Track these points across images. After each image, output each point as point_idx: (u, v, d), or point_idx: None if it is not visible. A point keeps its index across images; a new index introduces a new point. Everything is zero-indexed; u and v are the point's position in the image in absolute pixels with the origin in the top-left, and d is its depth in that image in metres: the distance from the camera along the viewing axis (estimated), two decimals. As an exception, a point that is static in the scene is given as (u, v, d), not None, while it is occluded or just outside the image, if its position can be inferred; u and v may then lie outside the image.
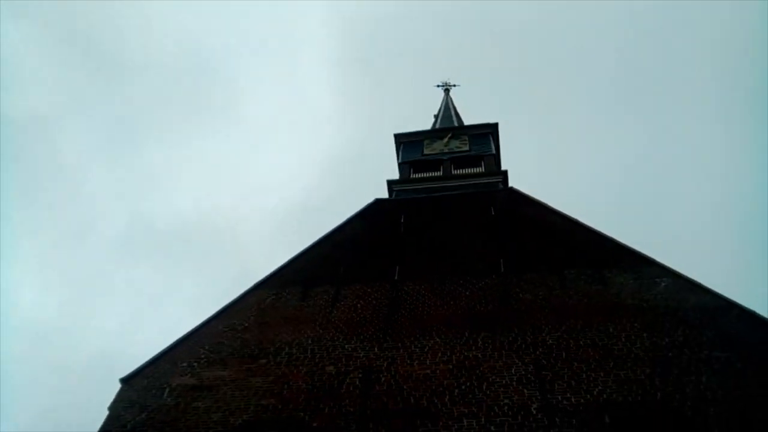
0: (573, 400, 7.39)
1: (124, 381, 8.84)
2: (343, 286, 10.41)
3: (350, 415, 7.65)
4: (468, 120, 20.85)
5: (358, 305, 9.88)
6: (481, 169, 15.50)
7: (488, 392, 7.68)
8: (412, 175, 15.99)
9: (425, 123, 21.58)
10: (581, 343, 8.34)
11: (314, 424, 7.62)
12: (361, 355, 8.71)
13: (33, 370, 36.29)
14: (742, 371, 7.50)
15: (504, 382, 7.81)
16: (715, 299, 8.81)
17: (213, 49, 64.37)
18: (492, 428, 7.15)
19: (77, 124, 53.65)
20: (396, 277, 10.42)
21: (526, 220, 11.75)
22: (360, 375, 8.30)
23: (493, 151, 16.59)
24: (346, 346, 8.95)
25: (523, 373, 7.92)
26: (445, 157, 16.29)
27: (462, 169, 15.74)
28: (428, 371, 8.19)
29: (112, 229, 51.30)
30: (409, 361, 8.43)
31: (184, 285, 51.27)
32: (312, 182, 63.91)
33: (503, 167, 16.85)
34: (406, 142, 17.59)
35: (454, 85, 24.97)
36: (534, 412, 7.29)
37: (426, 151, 16.94)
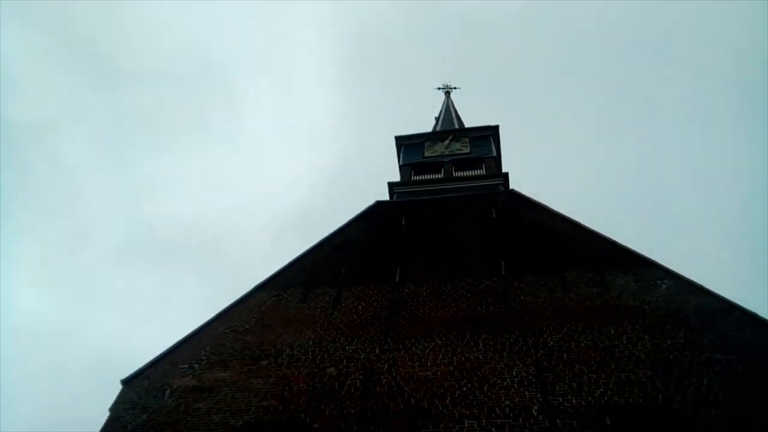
0: (574, 401, 7.39)
1: (125, 382, 8.86)
2: (344, 287, 10.42)
3: (351, 416, 7.65)
4: (469, 122, 20.92)
5: (359, 307, 9.88)
6: (482, 172, 15.52)
7: (489, 394, 7.68)
8: (413, 178, 16.02)
9: (426, 125, 21.66)
10: (582, 345, 8.34)
11: (315, 426, 7.62)
12: (362, 356, 8.71)
13: (34, 371, 36.28)
14: (743, 373, 7.50)
15: (505, 383, 7.82)
16: (717, 301, 8.80)
17: (213, 54, 64.48)
18: (493, 430, 7.16)
19: (77, 129, 53.69)
20: (397, 279, 10.42)
21: (526, 223, 11.76)
22: (361, 376, 8.30)
23: (494, 154, 16.61)
24: (347, 347, 8.96)
25: (524, 374, 7.92)
26: (445, 160, 16.32)
27: (463, 171, 15.77)
28: (429, 373, 8.19)
29: (113, 232, 51.40)
30: (410, 363, 8.44)
31: (185, 288, 51.27)
32: (313, 185, 63.90)
33: (504, 170, 16.88)
34: (407, 145, 17.63)
35: (455, 88, 25.06)
36: (535, 413, 7.29)
37: (427, 154, 16.97)
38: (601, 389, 7.54)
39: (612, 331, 8.50)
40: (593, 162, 58.11)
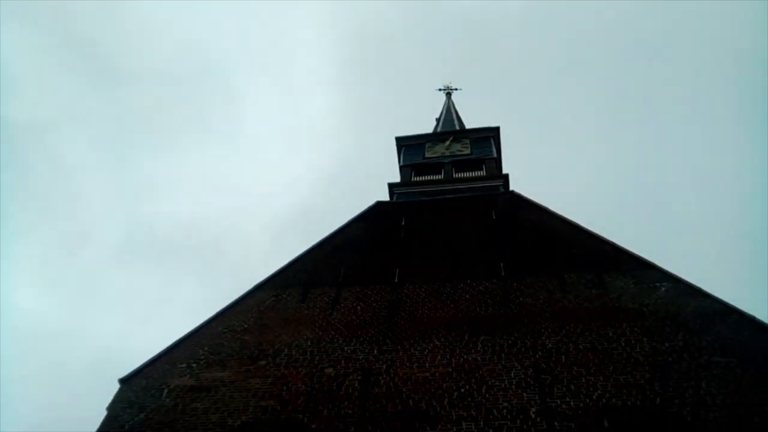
0: (572, 404, 7.38)
1: (123, 381, 8.85)
2: (344, 288, 10.42)
3: (349, 417, 7.64)
4: (470, 124, 20.94)
5: (358, 307, 9.88)
6: (482, 173, 15.52)
7: (487, 395, 7.67)
8: (414, 178, 16.02)
9: (427, 126, 21.68)
10: (581, 347, 8.33)
11: (313, 426, 7.61)
12: (361, 357, 8.71)
13: (34, 371, 36.31)
14: (741, 376, 7.49)
15: (503, 385, 7.81)
16: (715, 304, 8.79)
17: (213, 54, 64.56)
18: (491, 431, 7.15)
19: (77, 129, 53.77)
20: (396, 280, 10.42)
21: (526, 224, 11.75)
22: (359, 377, 8.30)
23: (495, 155, 16.62)
24: (346, 348, 8.95)
25: (522, 376, 7.91)
26: (446, 161, 16.32)
27: (463, 172, 15.77)
28: (427, 374, 8.19)
29: (113, 232, 51.45)
30: (408, 364, 8.43)
31: (185, 288, 51.31)
32: (313, 185, 63.94)
33: (504, 171, 16.89)
34: (407, 146, 17.63)
35: (456, 89, 25.09)
36: (533, 415, 7.28)
37: (427, 155, 16.97)
38: (600, 391, 7.53)
39: (610, 334, 8.49)
40: (593, 162, 58.15)
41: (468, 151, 16.72)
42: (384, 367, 8.44)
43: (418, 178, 15.99)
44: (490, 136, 17.40)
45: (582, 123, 61.76)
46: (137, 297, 50.28)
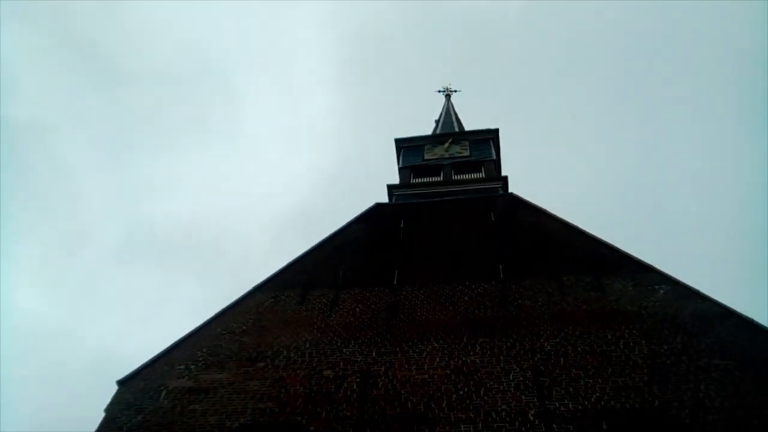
0: (571, 406, 7.38)
1: (121, 383, 8.83)
2: (342, 289, 10.41)
3: (348, 419, 7.63)
4: (469, 123, 20.98)
5: (357, 309, 9.87)
6: (481, 175, 15.51)
7: (486, 398, 7.66)
8: (413, 180, 16.01)
9: (426, 128, 21.65)
10: (579, 349, 8.32)
11: (311, 428, 7.60)
12: (359, 359, 8.70)
13: (33, 371, 36.26)
14: (740, 379, 7.49)
15: (502, 387, 7.80)
16: (714, 307, 8.79)
17: (213, 54, 64.59)
18: (489, 434, 7.14)
19: (77, 129, 53.81)
20: (395, 282, 10.41)
21: (525, 226, 11.75)
22: (358, 379, 8.29)
23: (494, 157, 16.62)
24: (344, 350, 8.94)
25: (521, 379, 7.91)
26: (445, 162, 16.32)
27: (462, 174, 15.76)
28: (426, 376, 8.18)
29: (113, 232, 51.46)
30: (407, 366, 8.42)
31: (183, 289, 51.30)
32: (313, 187, 63.99)
33: (503, 173, 16.86)
34: (406, 147, 17.62)
35: (456, 91, 25.10)
36: (531, 418, 7.27)
37: (426, 156, 16.96)
38: (598, 394, 7.53)
39: (609, 336, 8.49)
40: (593, 163, 58.21)
41: (467, 153, 16.72)
42: (383, 369, 8.43)
43: (417, 180, 15.98)
44: (490, 138, 17.40)
45: (582, 123, 61.87)
46: (137, 297, 50.35)
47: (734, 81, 47.88)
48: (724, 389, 7.36)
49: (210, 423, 7.89)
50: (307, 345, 9.15)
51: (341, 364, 8.65)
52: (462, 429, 7.24)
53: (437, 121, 22.11)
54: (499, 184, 14.82)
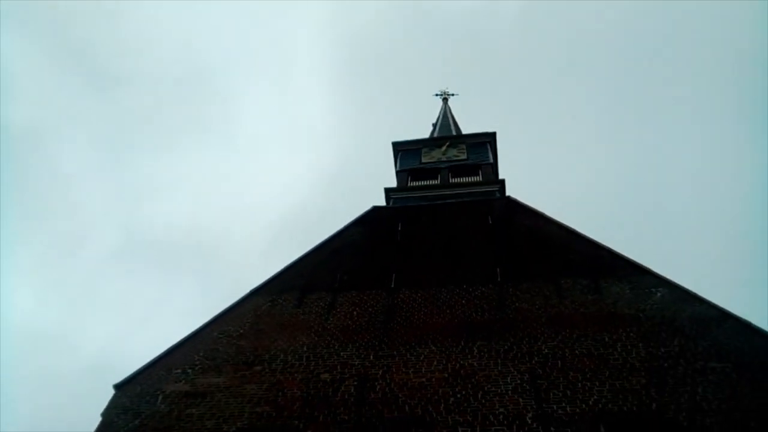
0: (568, 409, 7.37)
1: (118, 387, 8.79)
2: (340, 293, 10.40)
3: (345, 423, 7.61)
4: (466, 129, 20.95)
5: (354, 312, 9.86)
6: (478, 178, 15.53)
7: (483, 401, 7.65)
8: (410, 183, 16.03)
9: (423, 132, 21.68)
10: (577, 352, 8.32)
11: (308, 432, 7.57)
12: (357, 362, 8.68)
13: (27, 375, 36.08)
14: (737, 382, 7.49)
15: (499, 391, 7.79)
16: (711, 309, 8.81)
17: (213, 54, 64.61)
18: (487, 437, 7.13)
19: (76, 130, 53.61)
20: (392, 285, 10.41)
21: (522, 229, 11.76)
22: (355, 383, 8.27)
23: (491, 160, 16.64)
24: (342, 353, 8.93)
25: (518, 382, 7.90)
26: (442, 166, 16.33)
27: (459, 177, 15.78)
28: (423, 379, 8.17)
29: (111, 233, 51.30)
30: (404, 369, 8.41)
31: (180, 294, 51.21)
32: (310, 191, 63.92)
33: (501, 176, 16.88)
34: (404, 151, 17.63)
35: (453, 95, 25.12)
36: (529, 421, 7.26)
37: (424, 160, 16.98)
38: (596, 397, 7.53)
39: (607, 339, 8.50)
40: (593, 163, 58.28)
41: (464, 157, 16.73)
42: (380, 372, 8.42)
43: (414, 183, 15.99)
44: (487, 141, 17.41)
45: (582, 123, 61.96)
46: (135, 299, 50.22)
47: (734, 81, 48.07)
48: (721, 392, 7.37)
49: (207, 427, 7.86)
50: (305, 348, 9.13)
51: (338, 367, 8.64)
52: (460, 432, 7.23)
53: (434, 125, 22.14)
54: (496, 188, 14.84)
